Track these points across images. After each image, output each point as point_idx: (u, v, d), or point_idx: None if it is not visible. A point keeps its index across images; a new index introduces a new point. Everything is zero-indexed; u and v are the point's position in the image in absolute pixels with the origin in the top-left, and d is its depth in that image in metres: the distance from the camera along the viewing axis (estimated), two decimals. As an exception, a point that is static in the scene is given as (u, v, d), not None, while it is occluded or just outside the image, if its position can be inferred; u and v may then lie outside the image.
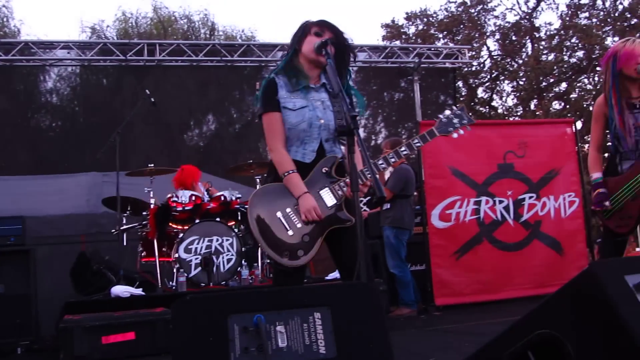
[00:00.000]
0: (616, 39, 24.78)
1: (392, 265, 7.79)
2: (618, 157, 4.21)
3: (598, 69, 24.26)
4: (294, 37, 3.57)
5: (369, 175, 3.28)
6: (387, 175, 8.18)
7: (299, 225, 3.33)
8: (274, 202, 3.37)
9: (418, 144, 3.59)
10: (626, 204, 4.07)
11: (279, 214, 3.34)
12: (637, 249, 12.57)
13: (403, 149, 3.55)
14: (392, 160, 3.51)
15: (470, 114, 3.76)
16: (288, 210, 3.35)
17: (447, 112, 3.68)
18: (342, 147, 3.51)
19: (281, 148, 3.44)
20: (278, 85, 3.48)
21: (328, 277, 7.25)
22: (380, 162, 3.49)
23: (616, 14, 25.35)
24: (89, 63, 11.44)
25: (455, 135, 3.67)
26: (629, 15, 24.97)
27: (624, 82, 4.18)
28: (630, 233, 4.15)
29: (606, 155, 4.57)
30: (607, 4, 26.02)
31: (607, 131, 4.34)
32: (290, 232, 3.31)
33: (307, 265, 8.20)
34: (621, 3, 25.46)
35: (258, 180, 8.04)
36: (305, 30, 3.51)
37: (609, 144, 4.40)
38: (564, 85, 26.70)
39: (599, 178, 4.22)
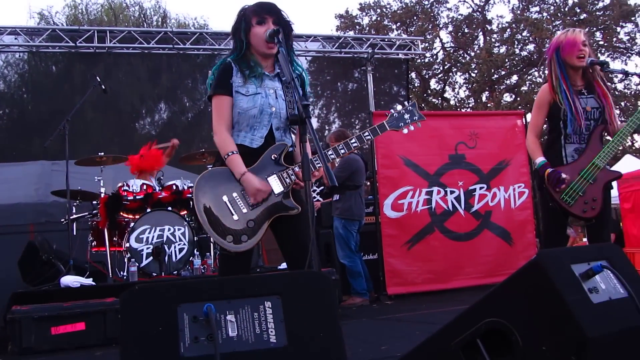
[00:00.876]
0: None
1: (341, 255, 7.83)
2: (562, 140, 4.32)
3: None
4: (237, 30, 3.50)
5: (319, 165, 3.28)
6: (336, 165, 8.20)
7: (244, 211, 3.31)
8: (221, 185, 3.35)
9: (368, 137, 3.60)
10: (588, 188, 4.17)
11: (224, 198, 3.32)
12: (584, 240, 12.82)
13: (353, 140, 3.55)
14: (342, 151, 3.51)
15: (420, 109, 3.81)
16: (234, 194, 3.33)
17: (399, 107, 3.72)
18: (294, 137, 3.52)
19: (225, 131, 3.42)
20: (233, 70, 3.44)
21: (280, 267, 7.24)
22: (329, 152, 3.49)
23: (566, 9, 25.82)
24: (38, 49, 11.19)
25: (405, 130, 3.72)
26: (578, 10, 25.47)
27: (568, 71, 4.33)
28: (598, 216, 4.22)
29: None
30: (558, -2, 26.48)
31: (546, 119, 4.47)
32: (235, 217, 3.29)
33: (258, 254, 8.18)
34: (571, -3, 25.93)
35: (210, 168, 7.98)
36: (247, 21, 3.45)
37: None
38: (515, 77, 27.16)
39: (544, 160, 4.31)
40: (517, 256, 8.54)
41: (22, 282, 7.26)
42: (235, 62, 3.47)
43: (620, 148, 4.20)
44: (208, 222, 3.29)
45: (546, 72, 4.61)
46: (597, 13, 25.35)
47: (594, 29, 24.83)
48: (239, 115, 3.41)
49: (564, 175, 4.17)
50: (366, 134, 3.59)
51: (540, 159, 4.34)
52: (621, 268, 2.69)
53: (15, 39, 10.76)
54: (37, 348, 5.60)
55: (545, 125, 4.54)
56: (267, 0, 3.50)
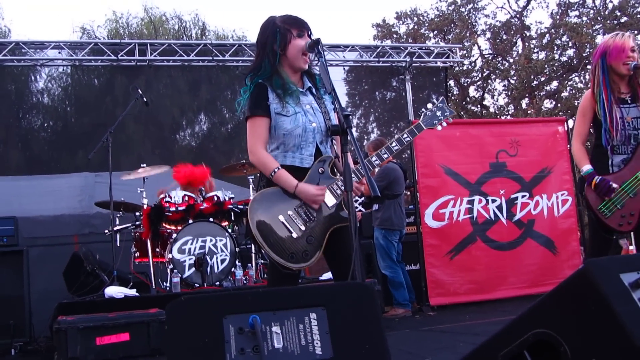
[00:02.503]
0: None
1: (382, 266, 7.80)
2: (609, 150, 4.22)
3: (589, 67, 24.34)
4: (270, 42, 3.44)
5: (362, 176, 3.29)
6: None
7: (302, 227, 3.31)
8: (274, 206, 3.34)
9: (407, 139, 3.61)
10: (627, 202, 4.07)
11: (281, 218, 3.31)
12: (631, 248, 12.58)
13: (394, 144, 3.57)
14: (385, 156, 3.53)
15: (460, 117, 3.83)
16: (290, 213, 3.32)
17: (430, 105, 3.74)
18: (336, 147, 3.52)
19: (262, 150, 3.41)
20: (268, 90, 3.43)
21: (322, 278, 7.24)
22: (374, 159, 3.50)
23: (606, 12, 25.44)
24: (80, 63, 11.39)
25: (439, 127, 3.75)
26: (619, 13, 25.06)
27: (613, 77, 4.22)
28: (634, 230, 4.14)
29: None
30: (597, 2, 26.13)
31: (591, 125, 4.36)
32: (294, 235, 3.29)
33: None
34: (611, 1, 25.56)
35: (251, 180, 8.03)
36: (284, 33, 3.41)
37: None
38: (555, 83, 26.77)
39: (591, 169, 4.20)
40: (562, 265, 8.41)
41: (67, 292, 7.36)
42: (267, 82, 3.45)
43: None
44: (267, 244, 3.27)
45: (587, 77, 4.56)
46: (639, 16, 24.93)
47: (636, 32, 24.44)
48: (284, 136, 3.40)
49: (614, 185, 4.07)
50: (405, 135, 3.61)
51: (587, 167, 4.22)
52: (673, 277, 2.63)
53: (59, 53, 10.97)
54: (83, 358, 5.67)
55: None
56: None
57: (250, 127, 3.46)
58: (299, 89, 3.49)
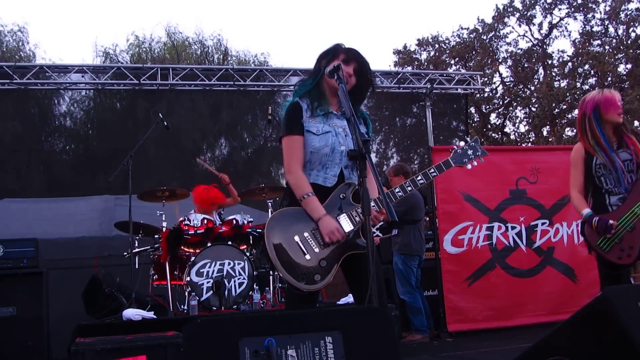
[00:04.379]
0: (629, 66, 24.80)
1: (401, 291, 7.76)
2: (605, 193, 4.45)
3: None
4: (320, 59, 3.58)
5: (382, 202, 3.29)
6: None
7: (316, 250, 3.32)
8: (292, 226, 3.36)
9: (434, 174, 3.63)
10: (624, 235, 4.22)
11: (296, 238, 3.33)
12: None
13: (420, 177, 3.58)
14: (409, 188, 3.54)
15: (482, 143, 3.83)
16: (306, 234, 3.34)
17: (462, 143, 3.75)
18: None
19: (299, 171, 3.44)
20: (302, 109, 3.49)
21: (340, 302, 7.21)
22: (397, 190, 3.51)
23: (629, 42, 25.38)
24: (103, 87, 11.53)
25: (469, 166, 3.79)
26: (641, 43, 25.01)
27: (605, 129, 4.46)
28: (633, 263, 4.25)
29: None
30: (620, 31, 26.07)
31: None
32: (307, 257, 3.30)
33: (320, 290, 8.17)
34: (634, 31, 25.50)
35: (270, 204, 8.04)
36: (333, 54, 3.52)
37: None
38: (576, 111, 26.64)
39: (590, 212, 4.43)
40: (581, 294, 8.30)
41: (86, 314, 7.38)
42: (305, 96, 3.52)
43: None
44: (280, 262, 3.29)
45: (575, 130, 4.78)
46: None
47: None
48: (311, 154, 3.45)
49: (611, 222, 4.23)
50: (432, 170, 3.63)
51: (586, 210, 4.45)
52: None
53: (82, 77, 11.13)
54: (100, 380, 5.66)
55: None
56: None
57: (285, 146, 3.50)
58: (334, 111, 3.54)
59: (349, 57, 3.51)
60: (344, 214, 3.39)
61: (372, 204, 3.28)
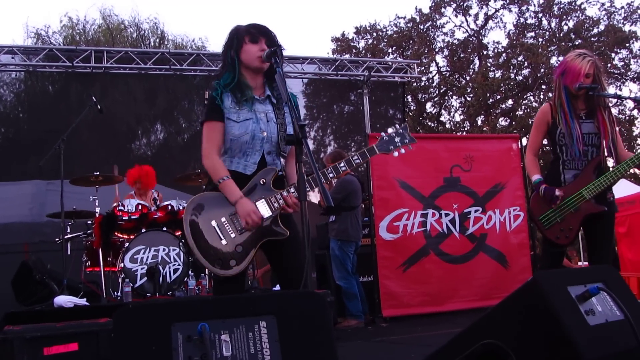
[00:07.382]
0: (561, 58, 25.36)
1: (337, 277, 7.80)
2: (560, 165, 4.39)
3: (544, 87, 24.83)
4: (228, 48, 3.52)
5: (316, 187, 3.28)
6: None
7: (232, 235, 3.32)
8: (210, 210, 3.36)
9: (358, 161, 3.58)
10: (567, 216, 4.24)
11: (213, 223, 3.33)
12: (580, 263, 12.81)
13: (342, 164, 3.53)
14: (331, 175, 3.49)
15: (416, 132, 3.83)
16: (223, 219, 3.34)
17: (390, 130, 3.69)
18: (283, 161, 3.53)
19: (215, 156, 3.42)
20: (224, 95, 3.45)
21: (275, 288, 7.21)
22: (328, 172, 3.49)
23: (561, 34, 26.00)
24: (34, 69, 11.20)
25: (395, 154, 3.68)
26: (573, 36, 25.65)
27: (570, 94, 4.36)
28: (569, 245, 4.27)
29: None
30: (553, 24, 26.68)
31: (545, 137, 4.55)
32: (223, 242, 3.30)
33: (254, 276, 8.14)
34: (566, 24, 26.12)
35: (200, 193, 7.96)
36: (239, 39, 3.47)
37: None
38: (510, 102, 27.23)
39: (540, 178, 4.39)
40: (513, 279, 8.50)
41: (15, 301, 7.21)
42: (226, 87, 3.47)
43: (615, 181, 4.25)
44: (196, 246, 3.30)
45: (542, 97, 4.70)
46: (592, 39, 25.51)
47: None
48: (231, 142, 3.42)
49: (557, 192, 4.23)
50: (355, 157, 3.58)
51: (536, 177, 4.41)
52: (617, 290, 2.69)
53: (12, 58, 10.79)
54: (29, 369, 5.54)
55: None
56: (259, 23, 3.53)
57: (205, 132, 3.47)
58: (257, 96, 3.50)
59: (255, 35, 3.46)
60: (263, 200, 3.37)
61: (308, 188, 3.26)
